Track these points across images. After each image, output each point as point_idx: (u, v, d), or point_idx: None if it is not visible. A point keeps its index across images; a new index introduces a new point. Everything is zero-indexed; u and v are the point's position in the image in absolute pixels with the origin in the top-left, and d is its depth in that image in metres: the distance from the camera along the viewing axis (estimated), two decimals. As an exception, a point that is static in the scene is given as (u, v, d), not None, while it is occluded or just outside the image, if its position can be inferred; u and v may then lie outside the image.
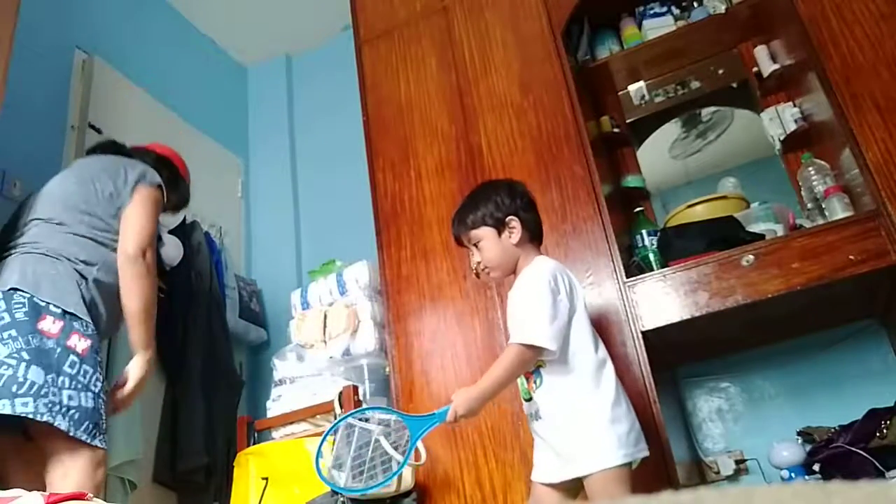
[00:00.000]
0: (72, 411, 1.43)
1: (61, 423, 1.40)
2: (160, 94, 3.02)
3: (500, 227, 1.57)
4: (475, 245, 1.60)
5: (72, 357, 1.46)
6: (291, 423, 2.31)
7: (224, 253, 2.99)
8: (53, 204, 1.67)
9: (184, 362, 2.46)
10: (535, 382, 1.51)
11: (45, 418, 1.38)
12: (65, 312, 1.50)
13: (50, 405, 1.40)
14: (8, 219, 1.75)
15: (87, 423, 1.44)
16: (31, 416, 1.37)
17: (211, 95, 3.50)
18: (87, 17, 2.81)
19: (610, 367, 1.51)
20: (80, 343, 1.49)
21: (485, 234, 1.58)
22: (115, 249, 1.65)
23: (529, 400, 1.54)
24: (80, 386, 1.45)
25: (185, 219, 2.72)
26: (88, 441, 1.44)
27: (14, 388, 1.37)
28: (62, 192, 1.70)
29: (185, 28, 3.44)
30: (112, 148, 1.92)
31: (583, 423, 1.43)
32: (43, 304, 1.49)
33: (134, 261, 1.62)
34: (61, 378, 1.44)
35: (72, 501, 1.09)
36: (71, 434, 1.41)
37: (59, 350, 1.46)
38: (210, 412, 2.45)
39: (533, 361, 1.47)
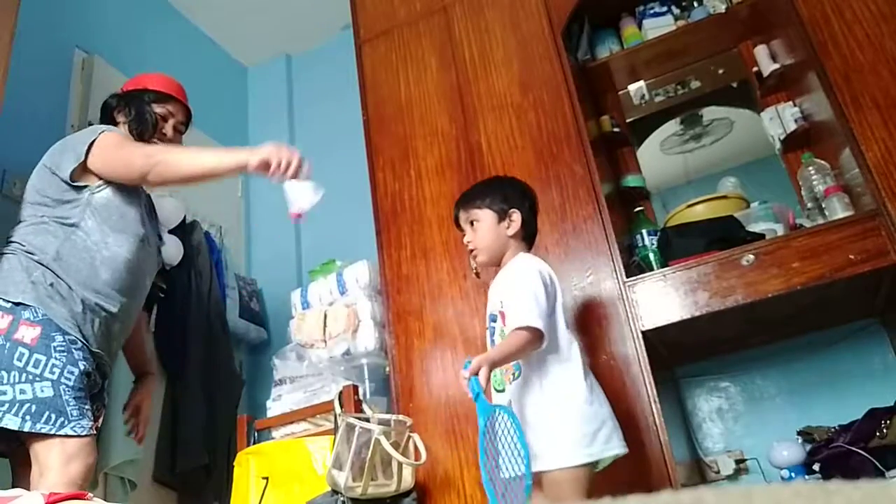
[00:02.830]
0: (27, 405, 1.37)
1: (12, 423, 1.36)
2: (160, 94, 3.02)
3: (501, 215, 1.63)
4: (471, 224, 1.65)
5: (20, 349, 1.42)
6: (291, 422, 2.31)
7: (224, 253, 2.99)
8: (23, 203, 1.68)
9: (184, 362, 2.46)
10: (512, 374, 1.53)
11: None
12: (13, 304, 1.47)
13: (2, 405, 1.36)
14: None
15: (47, 412, 1.38)
16: None
17: (211, 95, 3.50)
18: (87, 17, 2.81)
19: (582, 364, 1.52)
20: (28, 332, 1.44)
21: (485, 216, 1.64)
22: (74, 224, 1.59)
23: (502, 391, 1.56)
24: (32, 377, 1.40)
25: (185, 219, 2.72)
26: (53, 432, 1.38)
27: None
28: (28, 187, 1.70)
29: (185, 28, 3.44)
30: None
31: (551, 419, 1.45)
32: None
33: (142, 179, 1.60)
34: (12, 374, 1.39)
35: (72, 501, 1.09)
36: (27, 430, 1.36)
37: (7, 346, 1.41)
38: (210, 412, 2.45)
39: (534, 347, 1.46)
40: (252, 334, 2.99)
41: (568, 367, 1.51)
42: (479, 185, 1.76)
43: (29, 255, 1.54)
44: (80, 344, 1.49)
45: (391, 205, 2.39)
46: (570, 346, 1.53)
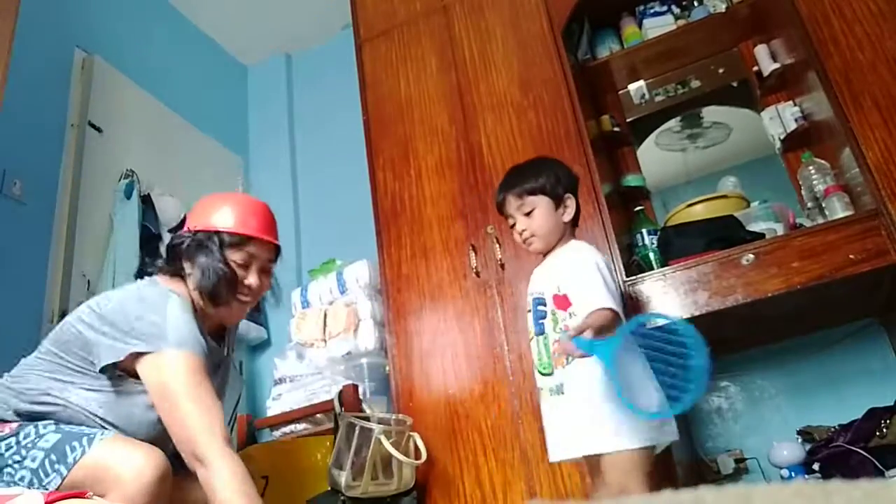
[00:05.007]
0: (48, 463, 1.23)
1: (54, 482, 1.20)
2: (160, 94, 3.03)
3: (557, 200, 1.58)
4: (527, 213, 1.57)
5: (3, 446, 1.26)
6: (291, 422, 2.31)
7: (224, 252, 2.98)
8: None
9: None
10: (566, 358, 1.46)
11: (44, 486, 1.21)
12: None
13: (32, 483, 1.22)
14: None
15: (58, 455, 1.23)
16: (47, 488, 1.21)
17: (211, 95, 3.50)
18: (88, 17, 2.81)
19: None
20: (2, 432, 1.29)
21: (542, 202, 1.57)
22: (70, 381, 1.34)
23: (549, 374, 1.51)
24: (28, 448, 1.26)
25: (185, 218, 2.71)
26: (69, 467, 1.22)
27: None
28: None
29: (185, 27, 3.44)
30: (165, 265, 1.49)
31: (612, 402, 1.37)
32: None
33: (200, 467, 1.24)
34: (13, 468, 1.25)
35: (71, 500, 1.09)
36: (66, 474, 1.21)
37: None
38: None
39: (611, 330, 1.40)
40: (252, 334, 2.99)
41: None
42: (526, 169, 1.63)
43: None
44: None
45: (391, 204, 2.39)
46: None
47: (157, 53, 3.16)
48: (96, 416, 1.33)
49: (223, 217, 1.42)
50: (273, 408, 2.41)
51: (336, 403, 2.03)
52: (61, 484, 1.21)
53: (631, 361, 1.37)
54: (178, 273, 1.44)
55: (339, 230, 3.11)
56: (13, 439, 1.27)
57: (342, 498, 1.80)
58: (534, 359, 1.57)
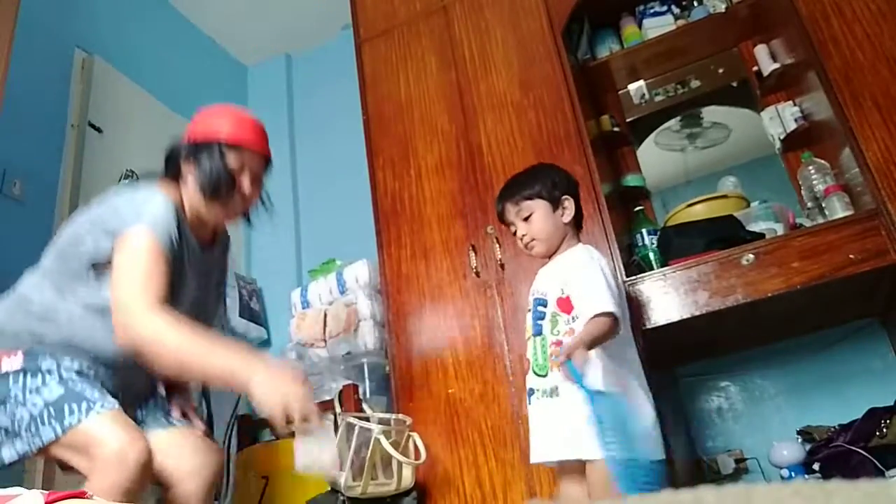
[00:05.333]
0: (46, 415, 1.29)
1: (49, 433, 1.28)
2: (160, 94, 3.03)
3: (555, 203, 1.59)
4: (525, 219, 1.59)
5: (10, 378, 1.34)
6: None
7: (224, 252, 2.99)
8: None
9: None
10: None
11: (35, 448, 1.29)
12: None
13: (30, 434, 1.29)
14: None
15: (56, 411, 1.29)
16: (25, 455, 1.30)
17: (211, 95, 3.48)
18: (87, 17, 2.81)
19: (638, 363, 1.52)
20: (9, 363, 1.36)
21: (539, 206, 1.59)
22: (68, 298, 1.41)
23: (544, 376, 1.51)
24: (31, 392, 1.32)
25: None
26: (64, 429, 1.28)
27: None
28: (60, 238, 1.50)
29: (185, 28, 3.44)
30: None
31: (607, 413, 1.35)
32: None
33: (124, 327, 1.30)
34: (14, 404, 1.31)
35: (71, 500, 1.09)
36: (61, 433, 1.28)
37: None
38: (209, 412, 2.45)
39: (613, 334, 1.42)
40: (252, 334, 2.99)
41: (624, 362, 1.48)
42: (522, 176, 1.67)
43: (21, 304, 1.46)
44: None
45: (391, 204, 2.39)
46: (629, 341, 1.51)
47: (157, 54, 3.16)
48: (97, 328, 1.38)
49: (221, 126, 1.49)
50: (273, 408, 2.40)
51: (336, 403, 2.03)
52: (54, 441, 1.28)
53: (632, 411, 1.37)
54: (174, 178, 1.52)
55: (339, 230, 3.10)
56: (20, 376, 1.34)
57: (342, 498, 1.80)
58: (529, 359, 1.57)
